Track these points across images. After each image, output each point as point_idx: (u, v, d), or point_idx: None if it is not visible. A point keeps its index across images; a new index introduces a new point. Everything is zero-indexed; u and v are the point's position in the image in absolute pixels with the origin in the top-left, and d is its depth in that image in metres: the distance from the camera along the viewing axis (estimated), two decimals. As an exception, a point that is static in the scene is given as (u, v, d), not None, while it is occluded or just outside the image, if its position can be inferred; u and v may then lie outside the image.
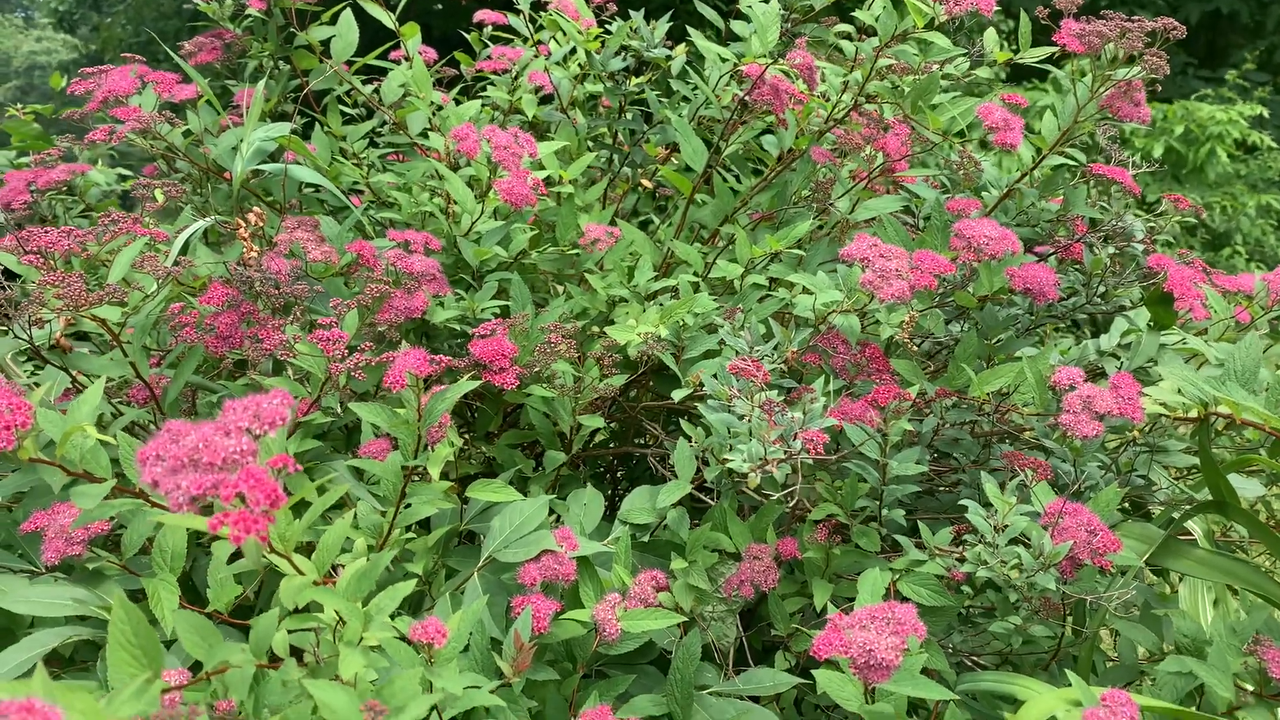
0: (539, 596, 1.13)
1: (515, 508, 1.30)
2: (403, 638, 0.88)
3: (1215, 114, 7.25)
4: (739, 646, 1.51)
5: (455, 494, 1.38)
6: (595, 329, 1.67)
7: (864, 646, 0.96)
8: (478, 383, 1.16)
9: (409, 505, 1.18)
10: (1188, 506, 1.39)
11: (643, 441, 1.93)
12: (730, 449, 1.07)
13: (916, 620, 0.98)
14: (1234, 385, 1.08)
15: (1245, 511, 1.31)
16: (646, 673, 1.36)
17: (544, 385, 1.43)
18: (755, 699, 1.37)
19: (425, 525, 1.44)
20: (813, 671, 1.20)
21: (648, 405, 1.72)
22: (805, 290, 1.44)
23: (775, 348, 1.24)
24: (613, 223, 1.84)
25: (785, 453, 1.04)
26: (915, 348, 1.43)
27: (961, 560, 1.26)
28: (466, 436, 1.90)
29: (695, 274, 1.68)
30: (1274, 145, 7.74)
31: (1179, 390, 1.19)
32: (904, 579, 1.29)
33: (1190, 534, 1.56)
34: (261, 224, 1.31)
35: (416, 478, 1.24)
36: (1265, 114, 7.66)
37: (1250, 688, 1.08)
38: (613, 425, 2.00)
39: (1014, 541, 1.15)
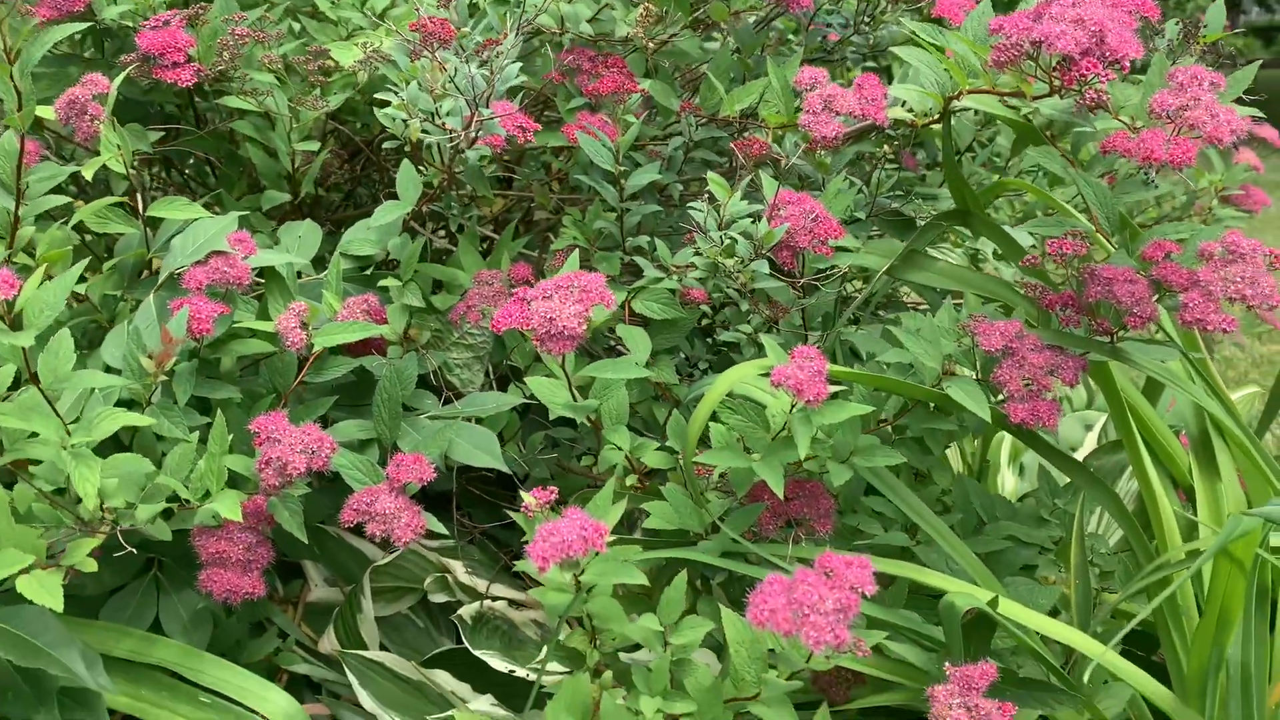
0: (202, 298, 0.99)
1: (200, 225, 1.14)
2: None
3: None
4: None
5: (139, 219, 1.22)
6: (332, 62, 1.49)
7: (546, 315, 0.86)
8: (86, 24, 0.98)
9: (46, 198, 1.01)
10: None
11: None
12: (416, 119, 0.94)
13: (604, 289, 0.89)
14: (957, 38, 1.00)
15: (988, 221, 1.27)
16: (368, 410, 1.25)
17: (244, 97, 1.26)
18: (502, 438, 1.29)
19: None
20: (526, 380, 1.11)
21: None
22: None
23: (488, 28, 1.10)
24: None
25: (475, 119, 0.91)
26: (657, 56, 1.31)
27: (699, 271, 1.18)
28: (207, 203, 1.72)
29: None
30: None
31: (920, 80, 1.12)
32: (638, 296, 1.21)
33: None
34: None
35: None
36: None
37: (969, 374, 1.05)
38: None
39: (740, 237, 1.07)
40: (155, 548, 1.10)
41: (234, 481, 1.03)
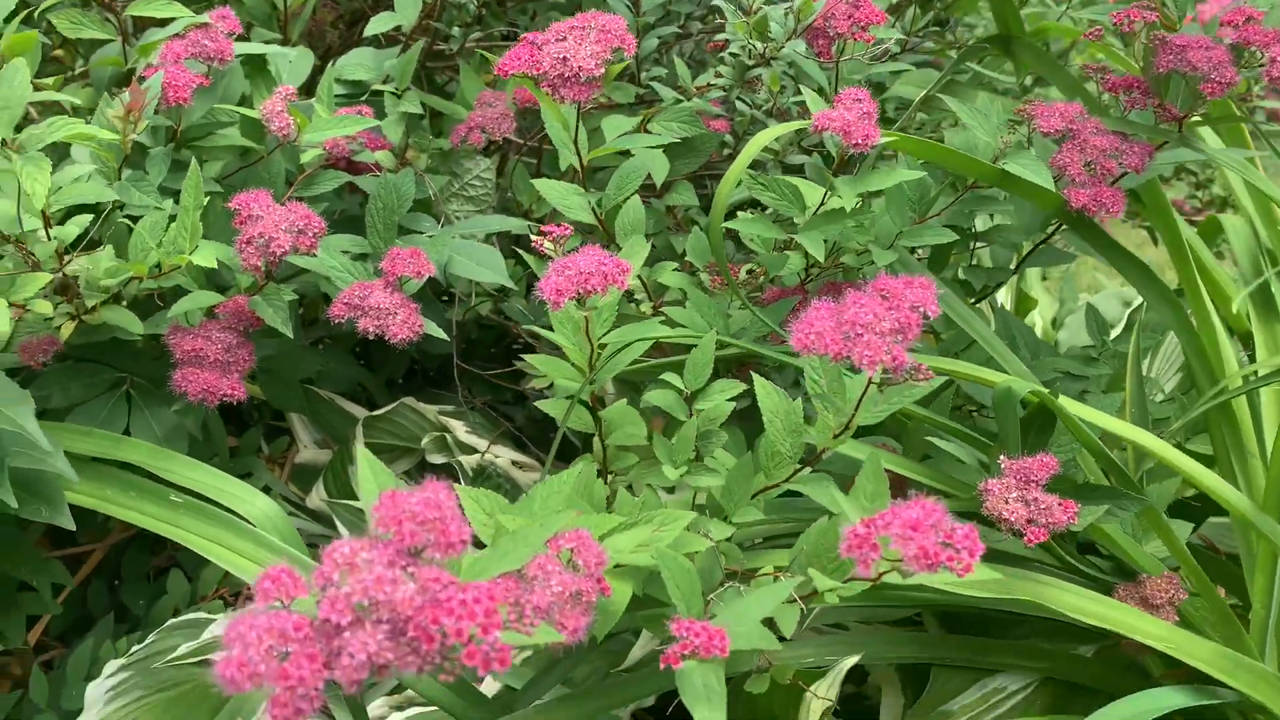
0: (179, 67, 0.90)
1: (181, 24, 1.05)
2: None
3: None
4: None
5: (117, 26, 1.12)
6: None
7: (559, 56, 0.77)
8: None
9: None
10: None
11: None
12: None
13: (625, 31, 0.80)
14: None
15: (1034, 46, 1.17)
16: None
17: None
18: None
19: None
20: (532, 182, 1.02)
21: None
22: None
23: None
24: None
25: None
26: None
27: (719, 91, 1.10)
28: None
29: None
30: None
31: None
32: (655, 119, 1.11)
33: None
34: None
35: None
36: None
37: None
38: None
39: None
40: (127, 366, 1.01)
41: (216, 284, 0.94)
